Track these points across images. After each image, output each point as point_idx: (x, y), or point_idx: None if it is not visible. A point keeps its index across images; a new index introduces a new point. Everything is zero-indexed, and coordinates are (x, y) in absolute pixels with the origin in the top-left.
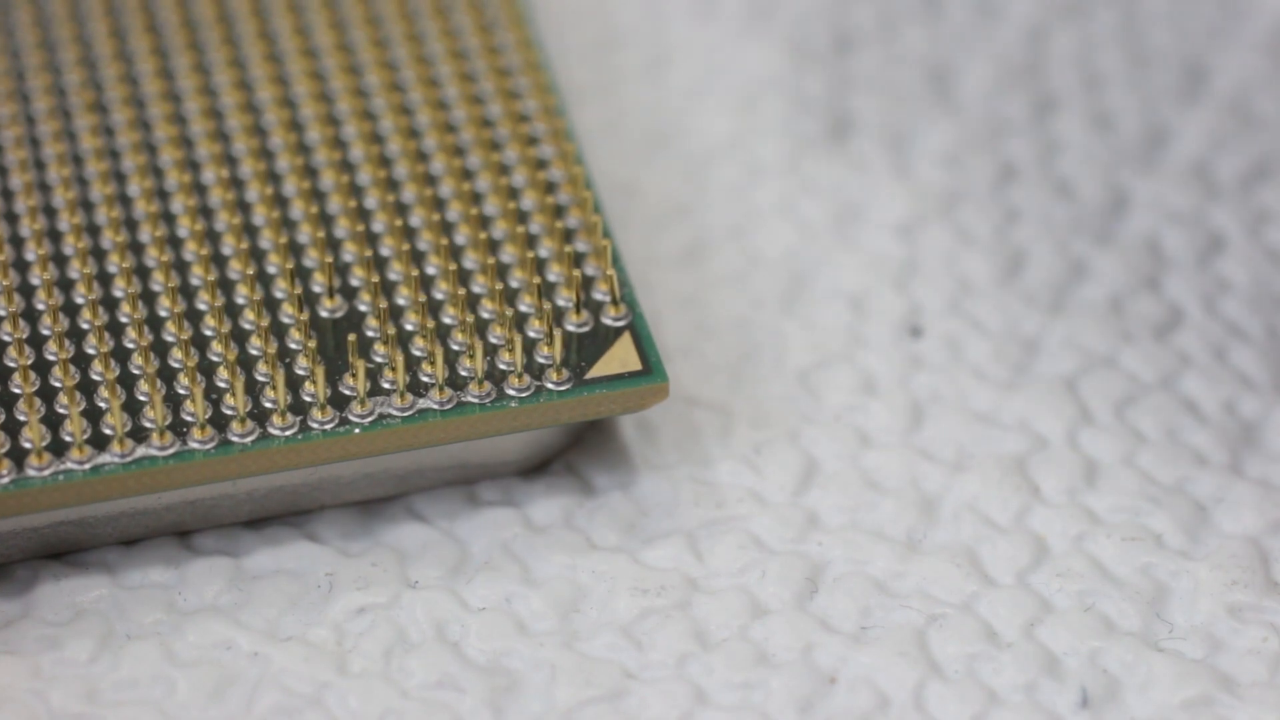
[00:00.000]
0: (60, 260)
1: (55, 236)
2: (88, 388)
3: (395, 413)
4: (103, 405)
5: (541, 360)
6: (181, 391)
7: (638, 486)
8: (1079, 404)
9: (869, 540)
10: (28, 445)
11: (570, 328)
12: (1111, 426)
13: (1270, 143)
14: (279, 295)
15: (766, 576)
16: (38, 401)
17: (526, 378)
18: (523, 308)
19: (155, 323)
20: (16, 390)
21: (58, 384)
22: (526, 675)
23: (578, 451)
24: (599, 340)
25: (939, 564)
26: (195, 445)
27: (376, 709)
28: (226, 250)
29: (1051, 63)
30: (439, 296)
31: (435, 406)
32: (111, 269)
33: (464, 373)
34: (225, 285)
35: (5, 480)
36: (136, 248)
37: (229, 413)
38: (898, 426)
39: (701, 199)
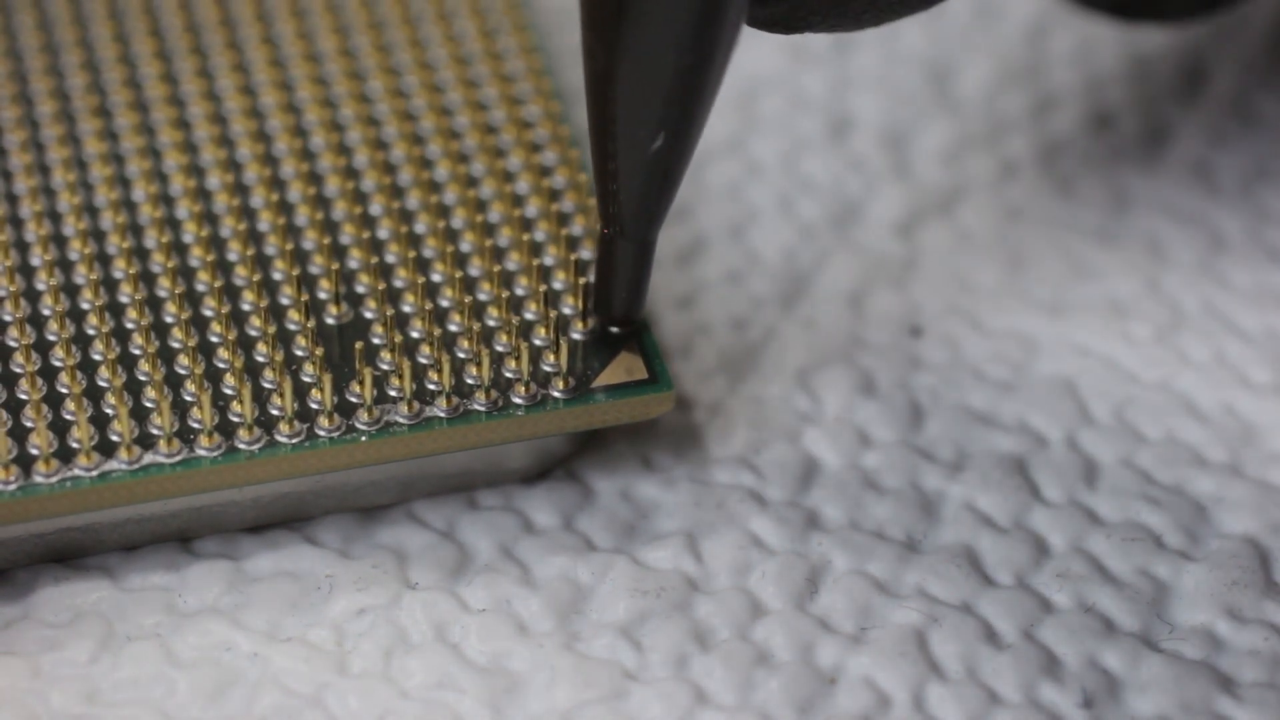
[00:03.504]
0: (66, 265)
1: (60, 241)
2: (95, 394)
3: (401, 420)
4: (110, 412)
5: (547, 368)
6: (189, 398)
7: (637, 487)
8: (1078, 404)
9: (869, 540)
10: (35, 452)
11: (576, 335)
12: (1111, 427)
13: (1270, 143)
14: (285, 302)
15: (766, 577)
16: (45, 408)
17: (533, 386)
18: (528, 315)
19: (162, 329)
20: (24, 396)
21: (65, 390)
22: (526, 676)
23: (577, 453)
24: (605, 348)
25: (939, 564)
26: (202, 452)
27: (376, 709)
28: (232, 256)
29: (1051, 63)
30: (445, 304)
31: (441, 414)
32: (118, 274)
33: (470, 380)
34: (231, 291)
35: (13, 487)
36: (142, 253)
37: (236, 420)
38: (898, 426)
39: (701, 198)
